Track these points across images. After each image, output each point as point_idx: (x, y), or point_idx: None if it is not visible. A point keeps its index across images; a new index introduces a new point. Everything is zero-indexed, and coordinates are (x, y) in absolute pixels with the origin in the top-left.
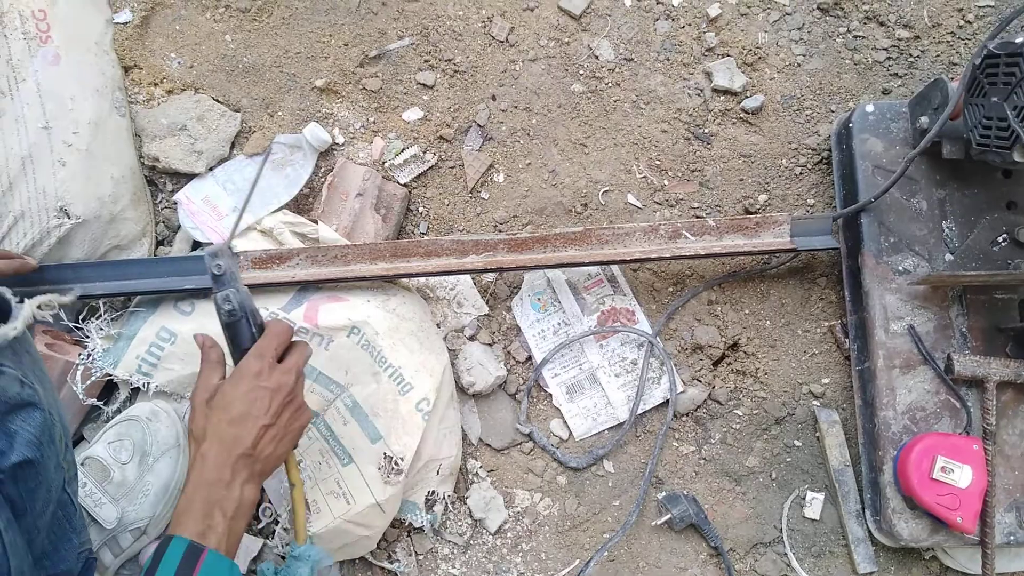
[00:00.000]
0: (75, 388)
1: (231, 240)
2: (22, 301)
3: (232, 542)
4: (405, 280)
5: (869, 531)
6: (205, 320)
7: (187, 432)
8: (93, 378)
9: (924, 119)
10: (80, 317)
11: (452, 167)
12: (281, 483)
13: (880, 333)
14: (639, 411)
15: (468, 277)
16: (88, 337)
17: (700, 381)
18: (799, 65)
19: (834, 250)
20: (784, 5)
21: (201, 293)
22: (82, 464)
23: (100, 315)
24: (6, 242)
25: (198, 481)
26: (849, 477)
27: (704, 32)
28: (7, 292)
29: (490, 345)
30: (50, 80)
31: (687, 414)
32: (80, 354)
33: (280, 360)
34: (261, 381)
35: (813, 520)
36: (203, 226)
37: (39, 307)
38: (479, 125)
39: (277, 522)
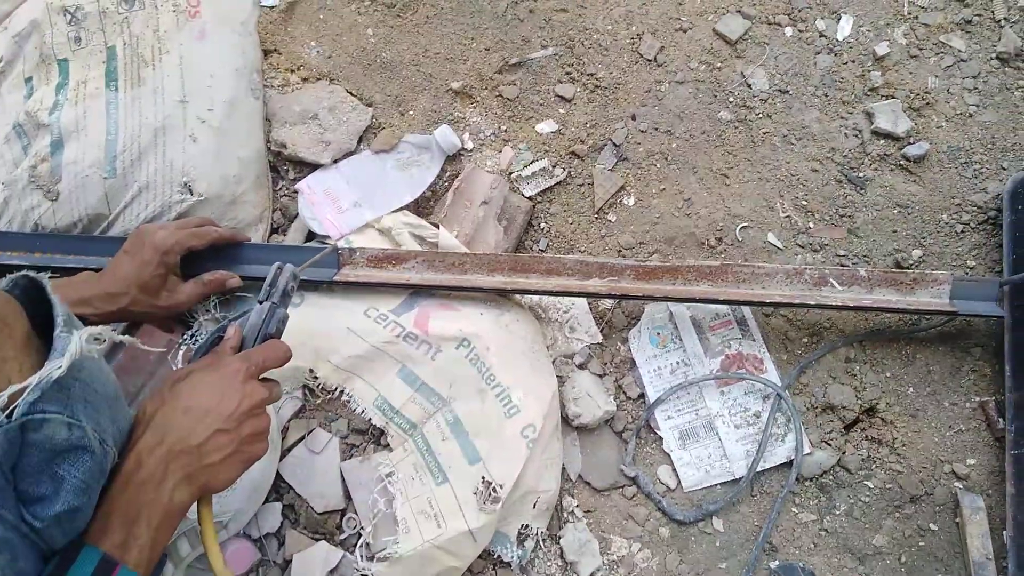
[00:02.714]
0: (173, 367)
1: (301, 269)
2: (71, 332)
3: (152, 555)
4: (519, 297)
5: None
6: (312, 311)
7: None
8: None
9: None
10: None
11: (581, 185)
12: (370, 493)
13: None
14: (758, 469)
15: (584, 302)
16: (195, 317)
17: (829, 444)
18: (971, 115)
19: (997, 319)
20: (959, 51)
21: (312, 285)
22: None
23: (209, 297)
24: (127, 212)
25: (128, 477)
26: (991, 572)
27: (869, 70)
28: (61, 315)
29: (601, 376)
30: (193, 55)
31: (811, 479)
32: (184, 333)
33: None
34: (237, 379)
35: None
36: (321, 218)
37: (87, 340)
38: (615, 144)
39: (360, 535)
